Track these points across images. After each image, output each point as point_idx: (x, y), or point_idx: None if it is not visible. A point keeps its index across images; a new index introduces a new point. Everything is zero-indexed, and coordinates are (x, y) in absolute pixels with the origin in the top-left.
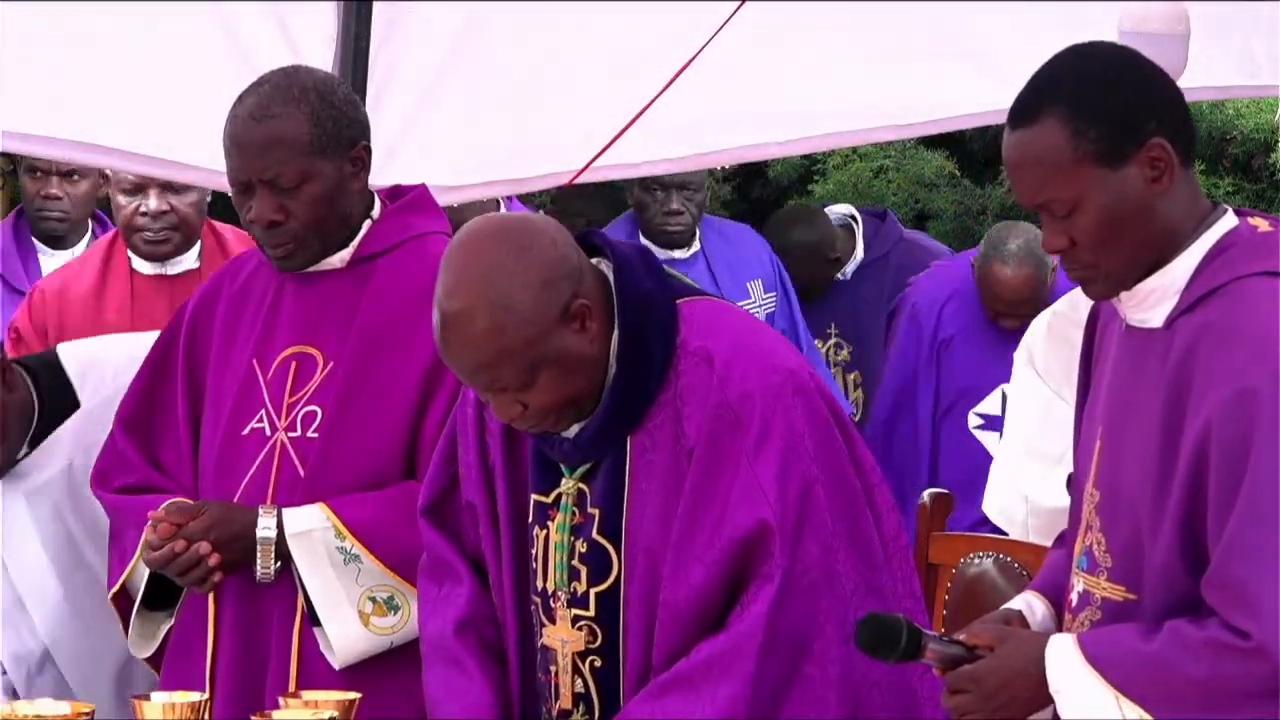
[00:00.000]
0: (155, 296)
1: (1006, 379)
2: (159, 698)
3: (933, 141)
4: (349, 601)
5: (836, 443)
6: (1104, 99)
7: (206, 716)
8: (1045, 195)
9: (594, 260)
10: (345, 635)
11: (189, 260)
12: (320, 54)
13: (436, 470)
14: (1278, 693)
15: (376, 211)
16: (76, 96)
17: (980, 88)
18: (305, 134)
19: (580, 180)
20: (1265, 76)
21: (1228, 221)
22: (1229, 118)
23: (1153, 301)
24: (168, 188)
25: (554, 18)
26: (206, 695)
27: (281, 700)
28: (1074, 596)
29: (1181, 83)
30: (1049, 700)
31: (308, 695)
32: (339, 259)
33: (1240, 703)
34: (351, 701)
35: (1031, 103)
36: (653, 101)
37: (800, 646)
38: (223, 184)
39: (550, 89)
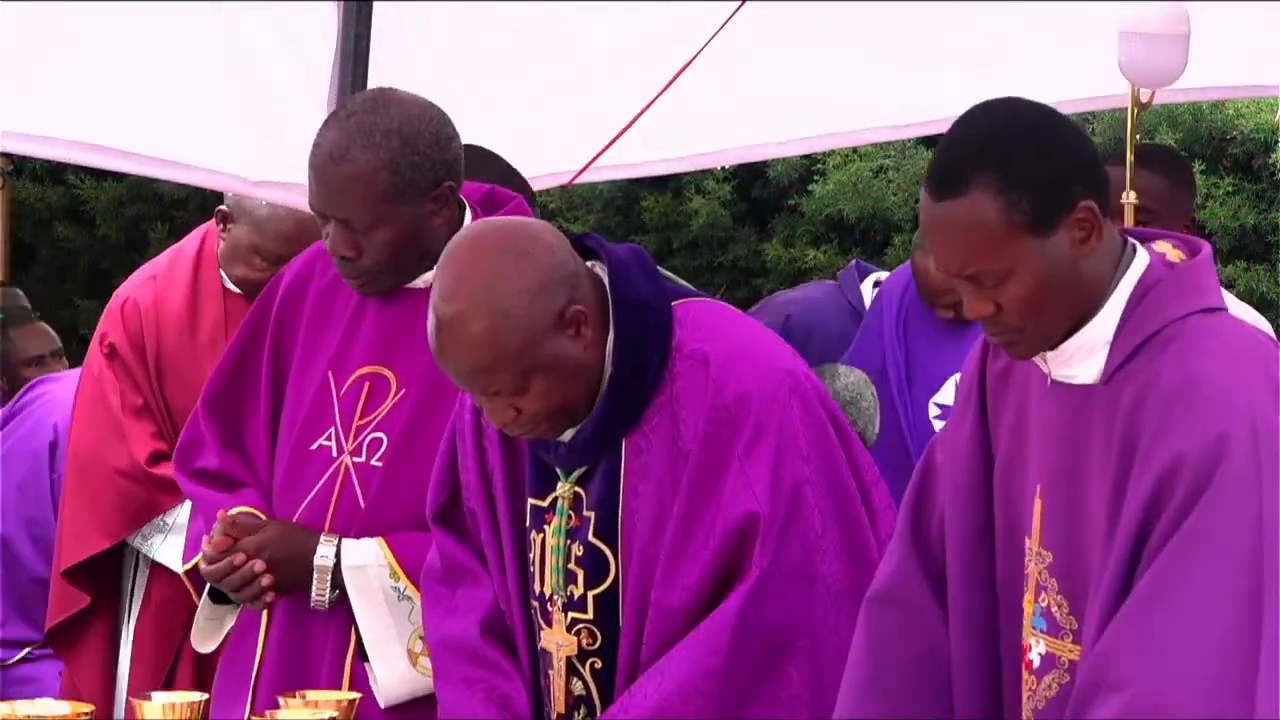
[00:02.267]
0: None
1: (958, 368)
2: (159, 697)
3: (933, 141)
4: (399, 639)
5: (831, 443)
6: (1034, 166)
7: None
8: (975, 267)
9: (589, 263)
10: (392, 673)
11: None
12: (320, 54)
13: (441, 477)
14: None
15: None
16: (76, 96)
17: (979, 88)
18: (381, 182)
19: (580, 180)
20: (1265, 76)
21: (1140, 261)
22: (1229, 118)
23: (1080, 358)
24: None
25: (554, 18)
26: (206, 696)
27: (281, 700)
28: (1035, 658)
29: (1181, 83)
30: None
31: (309, 695)
32: (423, 280)
33: None
34: (351, 702)
35: (957, 171)
36: (653, 101)
37: (780, 645)
38: (221, 184)
39: (550, 89)
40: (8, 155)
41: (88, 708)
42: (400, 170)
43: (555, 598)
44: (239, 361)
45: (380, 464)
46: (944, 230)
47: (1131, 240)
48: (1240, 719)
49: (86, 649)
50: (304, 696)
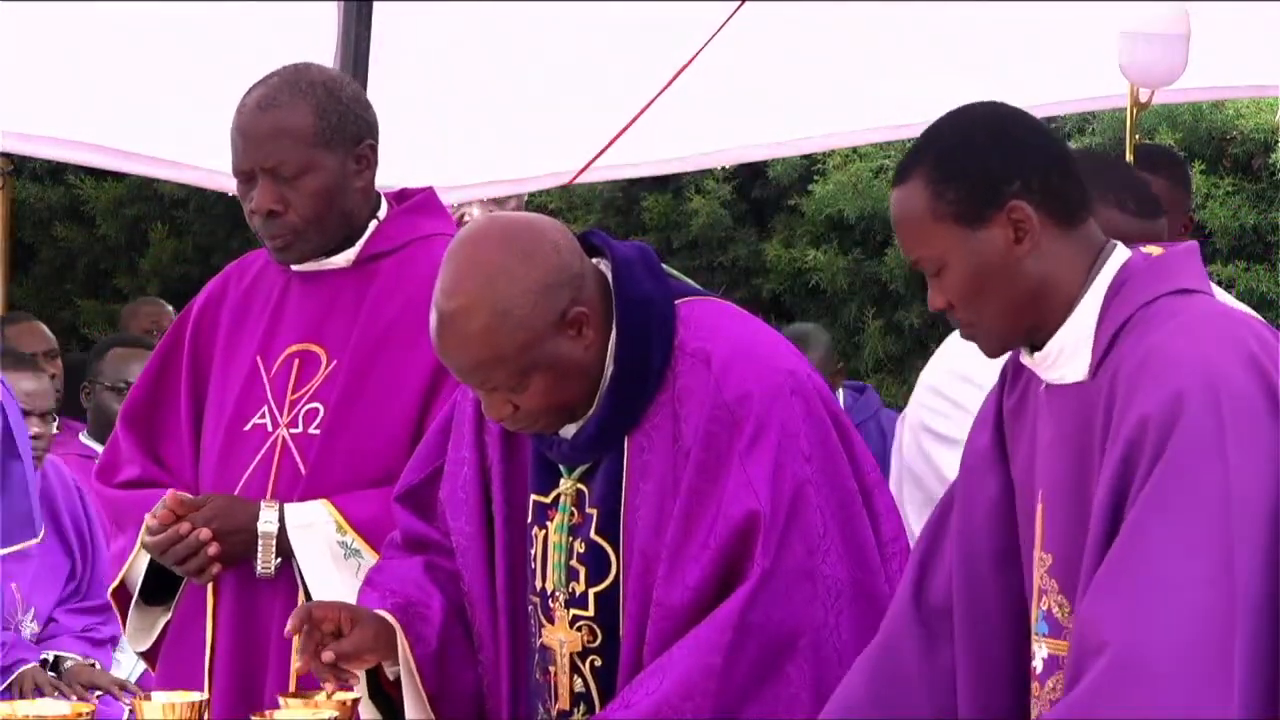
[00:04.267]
0: None
1: None
2: (159, 697)
3: None
4: (349, 595)
5: (833, 443)
6: (963, 160)
7: (207, 716)
8: (916, 253)
9: (594, 260)
10: None
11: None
12: (320, 54)
13: (421, 459)
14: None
15: (383, 212)
16: (76, 96)
17: (980, 88)
18: (309, 125)
19: (580, 180)
20: (1265, 76)
21: (1117, 258)
22: (1229, 118)
23: (1065, 359)
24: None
25: (554, 18)
26: (206, 695)
27: (281, 700)
28: (1038, 664)
29: (1181, 83)
30: None
31: (307, 695)
32: (344, 258)
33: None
34: (352, 701)
35: (906, 162)
36: (653, 101)
37: (781, 645)
38: (221, 184)
39: (550, 89)
40: (8, 155)
41: (88, 708)
42: (326, 115)
43: (558, 593)
44: (156, 379)
45: (318, 431)
46: (894, 216)
47: (1113, 240)
48: (1219, 675)
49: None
50: (303, 696)
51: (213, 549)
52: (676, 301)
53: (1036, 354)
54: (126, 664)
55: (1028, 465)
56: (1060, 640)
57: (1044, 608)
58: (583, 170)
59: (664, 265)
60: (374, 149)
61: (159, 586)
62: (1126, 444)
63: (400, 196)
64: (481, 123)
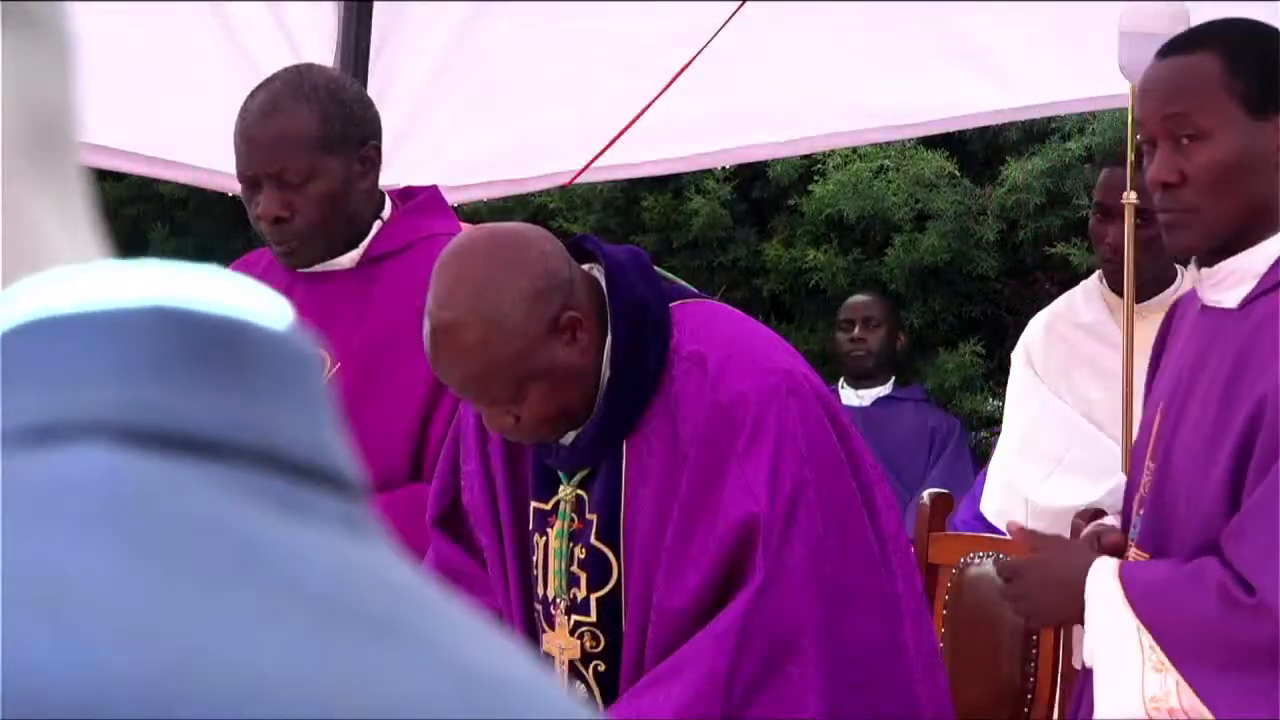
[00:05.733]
0: None
1: None
2: None
3: (933, 141)
4: None
5: (831, 442)
6: (1265, 51)
7: None
8: (1180, 107)
9: (587, 266)
10: None
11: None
12: (320, 54)
13: (443, 481)
14: (1276, 656)
15: (387, 212)
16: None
17: (980, 88)
18: (314, 130)
19: (580, 180)
20: None
21: None
22: None
23: (1232, 282)
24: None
25: (554, 18)
26: None
27: None
28: None
29: None
30: (1081, 615)
31: None
32: (349, 259)
33: (1241, 658)
34: None
35: (1192, 38)
36: (653, 101)
37: (784, 645)
38: (221, 184)
39: (550, 89)
40: None
41: None
42: (330, 120)
43: (558, 601)
44: None
45: None
46: (1161, 79)
47: None
48: None
49: None
50: None
51: None
52: (671, 304)
53: (1204, 269)
54: None
55: (1161, 376)
56: (1144, 552)
57: (1141, 513)
58: (583, 170)
59: (657, 268)
60: (378, 150)
61: None
62: (1255, 404)
63: (405, 195)
64: (481, 123)
